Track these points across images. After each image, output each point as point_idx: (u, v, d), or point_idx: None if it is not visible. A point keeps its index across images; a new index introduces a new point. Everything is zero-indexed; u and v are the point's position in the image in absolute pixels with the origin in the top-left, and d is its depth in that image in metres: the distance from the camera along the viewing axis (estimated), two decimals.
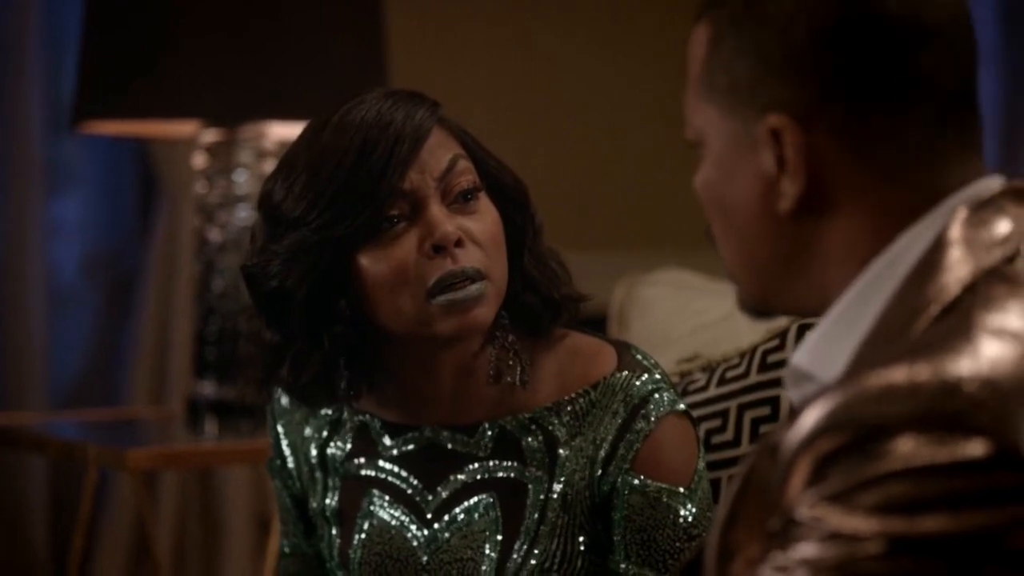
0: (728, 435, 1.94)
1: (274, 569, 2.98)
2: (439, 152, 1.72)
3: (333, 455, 1.85)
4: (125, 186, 4.08)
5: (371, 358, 1.76)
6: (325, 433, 1.86)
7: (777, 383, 1.94)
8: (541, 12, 4.46)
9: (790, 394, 1.24)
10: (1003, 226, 1.17)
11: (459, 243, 1.69)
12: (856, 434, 1.04)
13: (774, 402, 1.93)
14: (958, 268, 1.14)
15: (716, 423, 1.96)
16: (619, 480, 1.73)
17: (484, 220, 1.73)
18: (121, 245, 4.09)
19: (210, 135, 3.12)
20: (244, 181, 3.11)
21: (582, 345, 1.80)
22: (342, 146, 1.70)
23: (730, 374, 2.00)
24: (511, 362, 1.76)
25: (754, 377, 1.96)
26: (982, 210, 1.17)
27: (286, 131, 3.18)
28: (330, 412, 1.86)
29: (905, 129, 1.19)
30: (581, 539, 1.75)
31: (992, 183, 1.20)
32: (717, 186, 1.24)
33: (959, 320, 1.10)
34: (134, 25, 3.02)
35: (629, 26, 4.55)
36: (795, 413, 1.08)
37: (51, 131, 3.88)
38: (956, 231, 1.16)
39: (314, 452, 1.87)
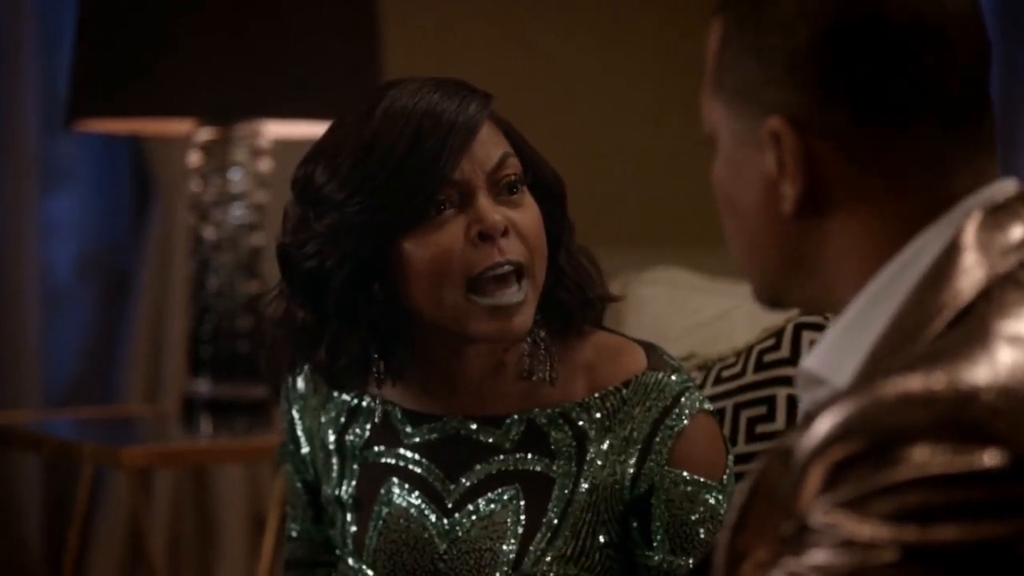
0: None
1: (269, 568, 2.98)
2: (489, 146, 1.73)
3: (351, 442, 1.86)
4: (120, 184, 4.08)
5: (404, 344, 1.77)
6: (343, 420, 1.86)
7: (773, 382, 1.94)
8: (537, 11, 4.45)
9: (801, 398, 1.23)
10: (1018, 231, 1.16)
11: (505, 233, 1.71)
12: (871, 442, 1.03)
13: (770, 401, 1.93)
14: (972, 273, 1.13)
15: None
16: (658, 476, 1.75)
17: (528, 214, 1.74)
18: (116, 243, 4.09)
19: (205, 133, 3.11)
20: (239, 179, 3.10)
21: (610, 343, 1.81)
22: (393, 133, 1.70)
23: (726, 373, 2.00)
24: (542, 358, 1.77)
25: (750, 376, 1.96)
26: (996, 214, 1.16)
27: (281, 129, 3.18)
28: (348, 398, 1.86)
29: (908, 133, 1.18)
30: (604, 535, 1.76)
31: (1006, 187, 1.19)
32: (726, 183, 1.24)
33: (975, 327, 1.09)
34: (129, 23, 3.02)
35: (627, 26, 4.55)
36: (807, 418, 1.08)
37: (46, 129, 3.88)
38: (970, 236, 1.15)
39: (331, 438, 1.87)
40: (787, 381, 1.93)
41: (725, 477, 1.76)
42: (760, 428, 1.93)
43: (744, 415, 1.95)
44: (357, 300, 1.74)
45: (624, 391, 1.77)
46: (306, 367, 1.84)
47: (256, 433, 3.07)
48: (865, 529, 1.02)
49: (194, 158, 3.14)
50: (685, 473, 1.75)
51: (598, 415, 1.77)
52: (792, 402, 1.92)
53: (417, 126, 1.70)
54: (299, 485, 1.91)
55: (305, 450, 1.89)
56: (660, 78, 4.55)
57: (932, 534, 1.01)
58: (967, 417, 1.02)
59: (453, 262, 1.70)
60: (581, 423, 1.77)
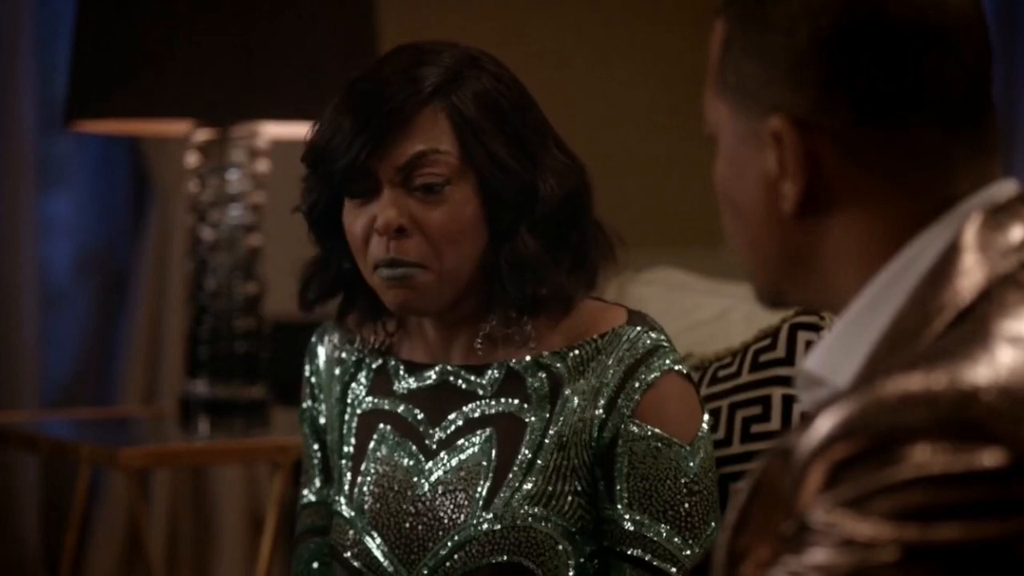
0: (719, 434, 1.94)
1: (267, 568, 2.99)
2: (409, 141, 1.78)
3: (354, 391, 1.93)
4: (117, 185, 4.08)
5: (369, 296, 1.86)
6: (350, 373, 1.94)
7: (769, 383, 1.94)
8: (536, 13, 4.46)
9: (800, 398, 1.23)
10: (1018, 232, 1.15)
11: (401, 230, 1.77)
12: (872, 441, 1.03)
13: (765, 401, 1.94)
14: (972, 274, 1.13)
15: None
16: (622, 427, 1.79)
17: (444, 211, 1.78)
18: (113, 244, 4.09)
19: (203, 134, 3.11)
20: (236, 180, 3.10)
21: (595, 306, 1.86)
22: (341, 110, 1.79)
23: (722, 373, 2.00)
24: (510, 330, 1.83)
25: (746, 376, 1.97)
26: (997, 215, 1.16)
27: (278, 130, 3.18)
28: (356, 352, 1.94)
29: (910, 134, 1.18)
30: (576, 483, 1.80)
31: (1007, 187, 1.19)
32: (727, 183, 1.24)
33: (975, 327, 1.09)
34: (127, 24, 3.02)
35: (626, 28, 4.56)
36: (807, 418, 1.08)
37: (43, 129, 3.88)
38: (970, 236, 1.15)
39: (338, 391, 1.94)
40: (782, 381, 1.93)
41: (695, 440, 1.79)
42: (755, 428, 1.94)
43: (739, 415, 1.95)
44: (323, 250, 1.87)
45: (599, 341, 1.82)
46: (327, 328, 1.97)
47: (254, 434, 3.07)
48: (865, 528, 1.01)
49: (192, 159, 3.14)
50: (650, 427, 1.78)
51: (572, 362, 1.82)
52: (787, 402, 1.93)
53: (346, 114, 1.78)
54: (314, 446, 1.97)
55: (320, 404, 1.96)
56: (657, 80, 4.55)
57: (933, 533, 1.01)
58: (968, 417, 1.02)
59: (361, 246, 1.80)
60: (555, 370, 1.82)
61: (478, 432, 1.84)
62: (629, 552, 1.78)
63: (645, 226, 4.40)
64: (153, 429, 3.36)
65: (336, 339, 1.95)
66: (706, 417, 1.82)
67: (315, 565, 1.95)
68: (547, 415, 1.81)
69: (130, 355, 4.00)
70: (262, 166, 3.14)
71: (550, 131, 1.86)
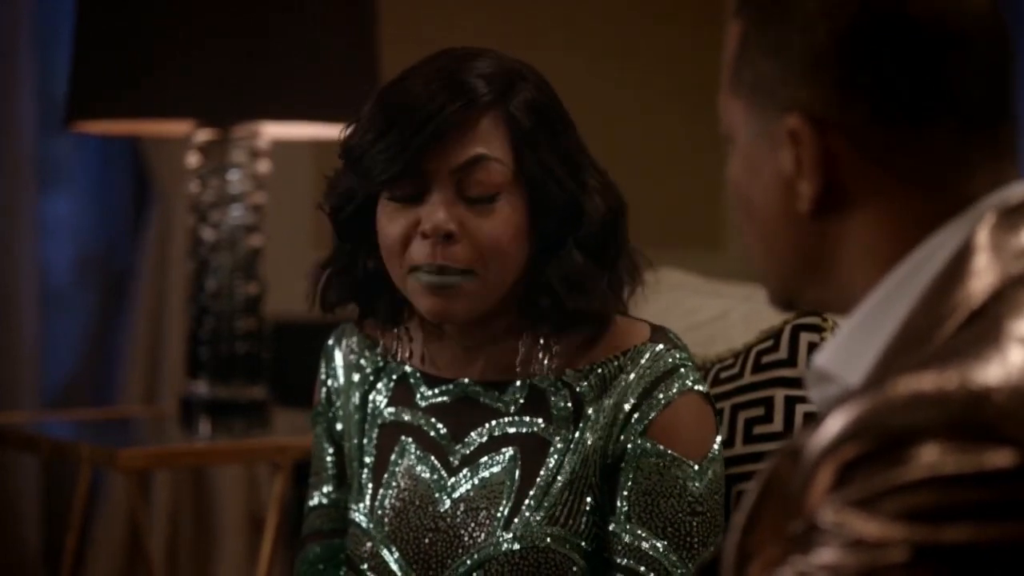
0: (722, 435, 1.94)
1: (267, 569, 2.98)
2: (466, 144, 1.75)
3: (374, 400, 1.92)
4: (118, 185, 4.09)
5: (390, 302, 1.85)
6: (370, 380, 1.93)
7: (771, 384, 1.94)
8: (536, 13, 4.46)
9: (810, 395, 1.23)
10: None
11: (450, 236, 1.74)
12: (882, 441, 1.03)
13: (768, 402, 1.93)
14: (984, 275, 1.13)
15: None
16: (632, 443, 1.78)
17: (494, 221, 1.76)
18: (114, 244, 4.09)
19: (203, 134, 3.11)
20: (237, 180, 3.10)
21: (619, 320, 1.85)
22: (388, 109, 1.75)
23: (724, 374, 2.00)
24: (540, 354, 1.81)
25: (748, 378, 1.96)
26: (1010, 216, 1.16)
27: (279, 131, 3.18)
28: (376, 361, 1.93)
29: (928, 135, 1.17)
30: (589, 499, 1.80)
31: (1021, 189, 1.18)
32: (742, 182, 1.24)
33: (987, 328, 1.09)
34: (127, 24, 3.01)
35: (623, 27, 4.55)
36: (817, 416, 1.08)
37: (44, 129, 3.88)
38: (983, 237, 1.15)
39: (357, 398, 1.93)
40: (785, 382, 1.93)
41: (704, 460, 1.79)
42: (758, 429, 1.93)
43: (742, 416, 1.95)
44: (347, 252, 1.84)
45: (622, 359, 1.81)
46: (345, 331, 1.95)
47: (254, 434, 3.07)
48: (874, 528, 1.01)
49: (192, 159, 3.14)
50: (660, 446, 1.78)
51: (595, 380, 1.81)
52: (790, 403, 1.92)
53: (396, 113, 1.74)
54: (327, 447, 1.96)
55: (335, 409, 1.95)
56: (658, 80, 4.55)
57: (942, 534, 1.01)
58: (979, 417, 1.02)
59: (398, 248, 1.77)
60: (579, 388, 1.82)
61: (502, 451, 1.83)
62: (624, 563, 1.78)
63: (645, 226, 4.40)
64: (153, 430, 3.36)
65: (354, 343, 1.94)
66: (719, 438, 1.82)
67: (321, 567, 1.95)
68: (570, 436, 1.81)
69: (131, 356, 4.00)
70: (263, 166, 3.14)
71: (587, 150, 1.85)
